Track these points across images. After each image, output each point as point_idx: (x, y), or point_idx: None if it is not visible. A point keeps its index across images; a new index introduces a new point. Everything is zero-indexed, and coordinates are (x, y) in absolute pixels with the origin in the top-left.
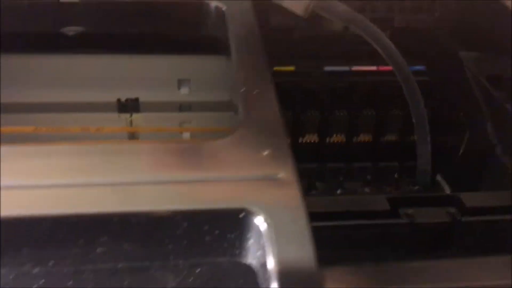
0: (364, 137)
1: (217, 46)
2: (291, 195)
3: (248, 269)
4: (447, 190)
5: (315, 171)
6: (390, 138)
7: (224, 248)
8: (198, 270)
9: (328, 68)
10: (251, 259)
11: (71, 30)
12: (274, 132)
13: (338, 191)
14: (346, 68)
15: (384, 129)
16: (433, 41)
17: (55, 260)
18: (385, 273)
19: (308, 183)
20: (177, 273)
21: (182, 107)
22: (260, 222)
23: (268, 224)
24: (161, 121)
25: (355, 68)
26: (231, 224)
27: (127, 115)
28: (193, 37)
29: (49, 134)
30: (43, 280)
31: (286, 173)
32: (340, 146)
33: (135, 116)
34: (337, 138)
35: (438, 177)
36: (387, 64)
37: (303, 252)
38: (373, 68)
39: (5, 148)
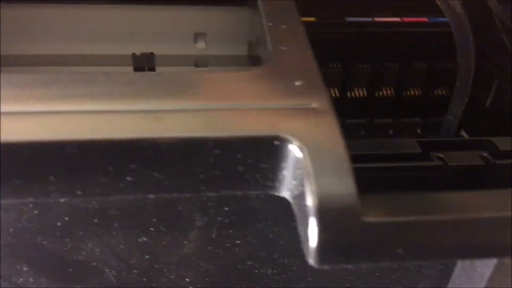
0: (386, 92)
1: None
2: (327, 124)
3: (283, 202)
4: None
5: None
6: (413, 92)
7: (257, 180)
8: (227, 208)
9: (350, 19)
10: (285, 191)
11: None
12: (305, 64)
13: None
14: (368, 19)
15: (407, 83)
16: None
17: (82, 189)
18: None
19: None
20: (205, 209)
21: (198, 62)
22: (295, 150)
23: (304, 152)
24: None
25: (378, 19)
26: (265, 153)
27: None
28: None
29: None
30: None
31: (320, 103)
32: (361, 101)
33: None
34: (358, 92)
35: (462, 133)
36: (410, 15)
37: (343, 183)
38: (397, 19)
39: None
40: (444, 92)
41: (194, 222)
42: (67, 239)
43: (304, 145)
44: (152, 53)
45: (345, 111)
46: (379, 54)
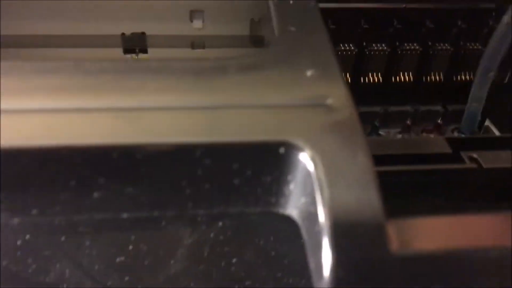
0: (404, 77)
1: None
2: (346, 126)
3: (288, 221)
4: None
5: None
6: (434, 78)
7: (257, 195)
8: (220, 223)
9: None
10: (292, 208)
11: None
12: (318, 49)
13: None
14: None
15: (428, 68)
16: None
17: (38, 208)
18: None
19: None
20: (195, 225)
21: (195, 43)
22: (306, 160)
23: (317, 163)
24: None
25: None
26: (268, 163)
27: (133, 55)
28: None
29: None
30: (27, 235)
31: (337, 98)
32: (376, 87)
33: (142, 56)
34: (373, 77)
35: (488, 122)
36: None
37: (367, 203)
38: None
39: None
40: (468, 77)
41: (181, 239)
42: (30, 260)
43: (318, 153)
44: (143, 33)
45: (359, 98)
46: (397, 34)
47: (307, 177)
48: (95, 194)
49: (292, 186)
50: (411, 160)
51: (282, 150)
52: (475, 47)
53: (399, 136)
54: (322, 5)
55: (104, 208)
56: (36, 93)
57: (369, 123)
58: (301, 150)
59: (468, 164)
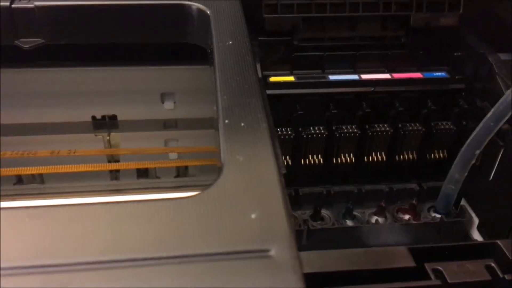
0: (377, 156)
1: (202, 55)
2: (287, 284)
3: None
4: (475, 220)
5: (320, 195)
6: (407, 156)
7: None
8: None
9: (333, 77)
10: None
11: (27, 42)
12: (266, 184)
13: (348, 222)
14: (354, 76)
15: (400, 147)
16: (457, 41)
17: None
18: None
19: (313, 211)
20: None
21: (167, 123)
22: None
23: None
24: (144, 140)
25: (365, 76)
26: None
27: (104, 134)
28: (175, 45)
29: (13, 159)
30: None
31: (280, 247)
32: (349, 167)
33: (114, 135)
34: (346, 157)
35: (463, 202)
36: (402, 71)
37: None
38: (387, 75)
39: None
40: (441, 155)
41: None
42: None
43: None
44: (114, 116)
45: (332, 179)
46: (367, 115)
47: None
48: None
49: None
50: (373, 276)
51: None
52: (447, 126)
53: (374, 218)
54: (292, 90)
55: None
56: None
57: (344, 203)
58: None
59: (433, 281)
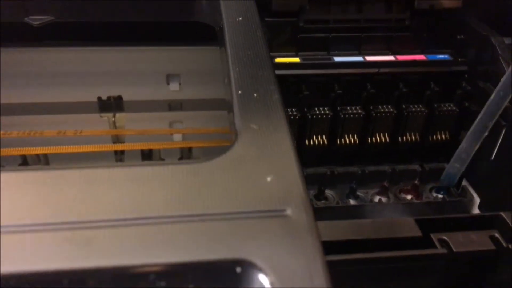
0: (380, 138)
1: (210, 35)
2: (304, 241)
3: None
4: (476, 199)
5: (324, 176)
6: (410, 138)
7: None
8: None
9: (338, 59)
10: None
11: (37, 19)
12: (279, 150)
13: (351, 201)
14: (359, 58)
15: (404, 128)
16: (461, 24)
17: None
18: None
19: (317, 191)
20: None
21: (172, 105)
22: (263, 280)
23: (273, 283)
24: (149, 122)
25: (370, 58)
26: (224, 281)
27: (110, 115)
28: (183, 25)
29: (19, 139)
30: None
31: (296, 207)
32: (353, 148)
33: (119, 116)
34: (350, 138)
35: (464, 182)
36: (405, 53)
37: None
38: (391, 57)
39: None
40: (444, 136)
41: None
42: None
43: (275, 274)
44: (120, 96)
45: (336, 160)
46: (372, 96)
47: None
48: None
49: None
50: (381, 245)
51: (238, 269)
52: (449, 108)
53: (377, 197)
54: (298, 71)
55: None
56: None
57: (347, 184)
58: (259, 269)
59: (439, 249)
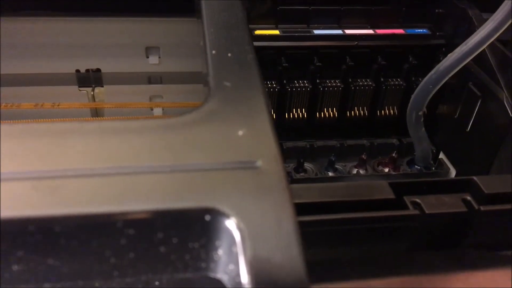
0: (359, 111)
1: (189, 6)
2: (275, 191)
3: (219, 285)
4: (452, 171)
5: (303, 149)
6: (388, 111)
7: (185, 261)
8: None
9: (317, 32)
10: (222, 273)
11: None
12: (252, 106)
13: (330, 173)
14: (338, 31)
15: (382, 102)
16: None
17: None
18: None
19: (297, 164)
20: None
21: (152, 78)
22: (233, 228)
23: (243, 232)
24: (129, 95)
25: (349, 31)
26: (194, 230)
27: (88, 89)
28: None
29: None
30: None
31: (267, 160)
32: (332, 121)
33: (98, 90)
34: (329, 112)
35: (441, 155)
36: (384, 27)
37: (289, 266)
38: (370, 31)
39: None
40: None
41: None
42: None
43: (244, 221)
44: (98, 69)
45: (315, 133)
46: (351, 69)
47: (233, 244)
48: (15, 267)
49: (220, 252)
50: (354, 207)
51: (208, 217)
52: None
53: (355, 170)
54: (277, 43)
55: (25, 280)
56: None
57: (325, 157)
58: (227, 216)
59: (411, 210)
